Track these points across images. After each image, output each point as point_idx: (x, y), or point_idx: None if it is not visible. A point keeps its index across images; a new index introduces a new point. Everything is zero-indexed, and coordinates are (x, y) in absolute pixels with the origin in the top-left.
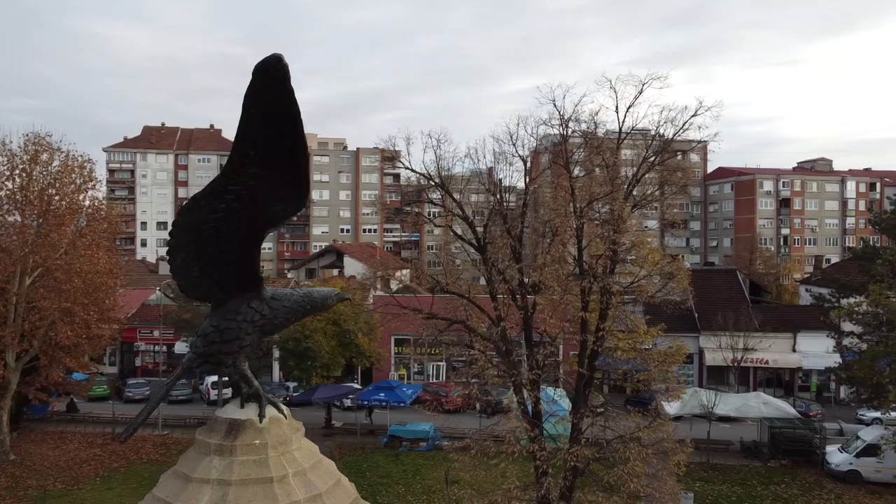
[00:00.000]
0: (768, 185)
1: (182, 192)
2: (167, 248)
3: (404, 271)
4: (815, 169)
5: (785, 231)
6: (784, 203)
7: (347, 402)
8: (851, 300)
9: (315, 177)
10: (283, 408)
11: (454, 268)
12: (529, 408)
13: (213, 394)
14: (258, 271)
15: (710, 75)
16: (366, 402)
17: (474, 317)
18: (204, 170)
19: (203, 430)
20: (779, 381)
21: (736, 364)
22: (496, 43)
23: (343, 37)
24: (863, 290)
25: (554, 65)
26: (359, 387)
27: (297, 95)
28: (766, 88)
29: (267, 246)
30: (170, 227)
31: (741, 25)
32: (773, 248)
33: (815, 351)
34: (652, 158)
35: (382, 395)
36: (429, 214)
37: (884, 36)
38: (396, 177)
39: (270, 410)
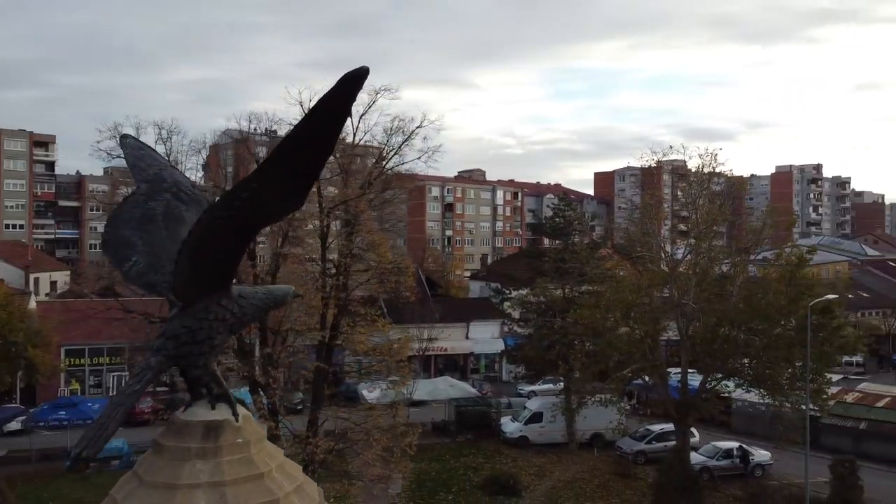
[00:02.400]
0: (436, 191)
1: None
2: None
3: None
4: (472, 178)
5: (449, 232)
6: (448, 207)
7: (15, 426)
8: (521, 292)
9: None
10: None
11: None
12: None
13: None
14: (231, 269)
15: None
16: (41, 423)
17: None
18: None
19: (170, 436)
20: (454, 365)
21: (421, 353)
22: (160, 27)
23: None
24: (530, 284)
25: (223, 57)
26: (22, 407)
27: None
28: (432, 103)
29: None
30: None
31: (408, 42)
32: (439, 248)
33: (484, 337)
34: (383, 165)
35: (63, 413)
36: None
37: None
38: (50, 165)
39: (240, 409)
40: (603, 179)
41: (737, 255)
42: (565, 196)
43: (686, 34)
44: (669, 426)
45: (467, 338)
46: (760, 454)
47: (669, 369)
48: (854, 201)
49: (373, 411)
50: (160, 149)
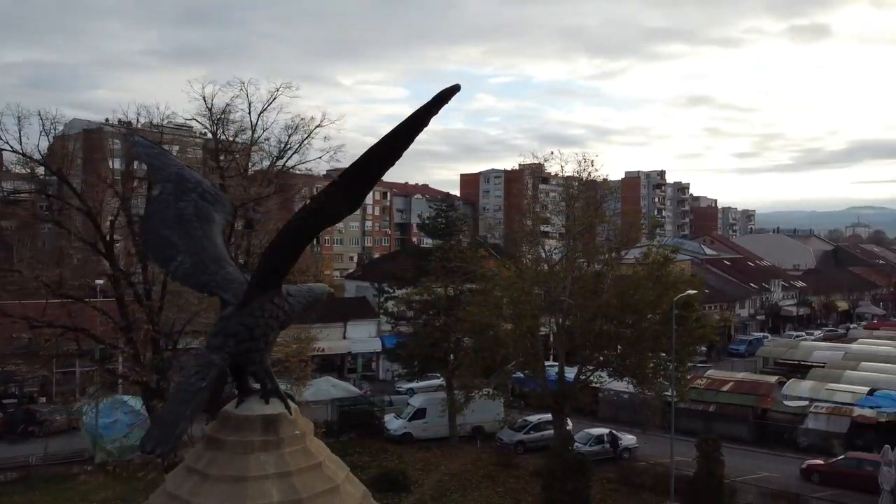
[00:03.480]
0: (304, 190)
1: None
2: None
3: None
4: None
5: None
6: None
7: None
8: (405, 290)
9: None
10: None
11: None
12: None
13: None
14: (288, 269)
15: (228, 78)
16: None
17: (96, 322)
18: None
19: (229, 431)
20: (331, 365)
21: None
22: None
23: None
24: (414, 282)
25: (58, 39)
26: None
27: None
28: (293, 100)
29: None
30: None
31: (265, 35)
32: (308, 248)
33: (361, 337)
34: (279, 163)
35: None
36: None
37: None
38: None
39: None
40: (469, 181)
41: (608, 254)
42: (447, 197)
43: (539, 43)
44: (545, 416)
45: (344, 337)
46: (627, 439)
47: (546, 363)
48: (692, 205)
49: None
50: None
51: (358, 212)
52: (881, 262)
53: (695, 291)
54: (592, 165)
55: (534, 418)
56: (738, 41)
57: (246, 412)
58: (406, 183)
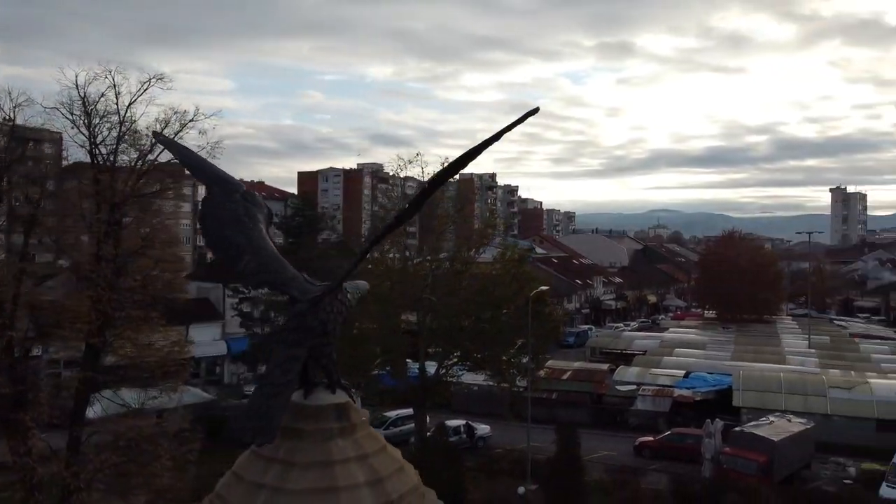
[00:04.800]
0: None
1: None
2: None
3: None
4: (170, 171)
5: (146, 230)
6: None
7: None
8: (263, 290)
9: None
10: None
11: None
12: None
13: None
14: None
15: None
16: None
17: None
18: None
19: (307, 420)
20: None
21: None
22: None
23: None
24: None
25: None
26: None
27: None
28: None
29: None
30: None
31: (74, 14)
32: None
33: (205, 340)
34: (148, 159)
35: None
36: None
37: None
38: None
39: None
40: (306, 179)
41: (467, 252)
42: (306, 196)
43: (371, 43)
44: (404, 412)
45: (186, 340)
46: (482, 428)
47: (408, 359)
48: (521, 207)
49: (145, 418)
50: None
51: (189, 208)
52: (682, 259)
53: (547, 287)
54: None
55: (392, 414)
56: (555, 53)
57: (319, 402)
58: (241, 180)
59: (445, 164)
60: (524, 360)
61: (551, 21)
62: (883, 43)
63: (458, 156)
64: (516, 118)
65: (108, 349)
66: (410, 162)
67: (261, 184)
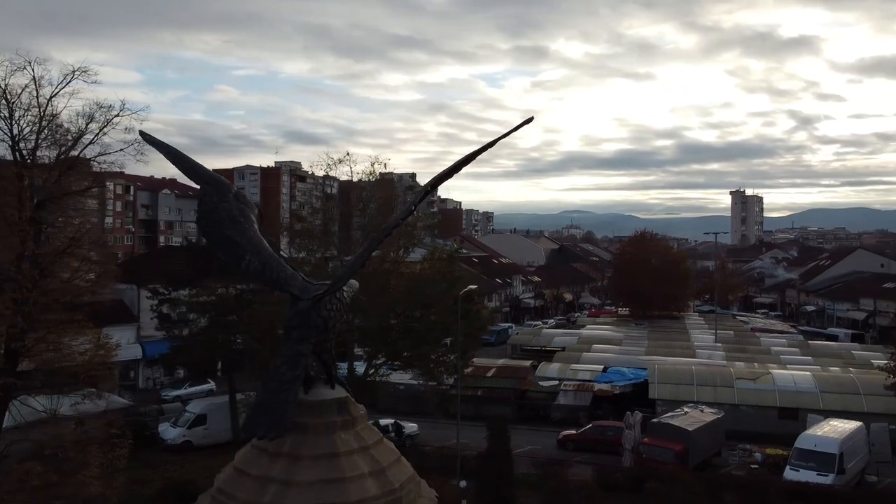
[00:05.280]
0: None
1: None
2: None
3: None
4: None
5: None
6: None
7: None
8: (183, 292)
9: None
10: None
11: None
12: None
13: None
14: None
15: None
16: None
17: None
18: None
19: (310, 414)
20: None
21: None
22: None
23: None
24: (192, 283)
25: None
26: None
27: None
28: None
29: None
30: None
31: None
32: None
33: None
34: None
35: None
36: None
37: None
38: None
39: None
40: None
41: (395, 251)
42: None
43: (282, 38)
44: None
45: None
46: (409, 427)
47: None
48: (440, 206)
49: (67, 426)
50: None
51: (95, 205)
52: (595, 258)
53: (476, 286)
54: (385, 167)
55: None
56: (471, 55)
57: (320, 397)
58: (152, 177)
59: (377, 164)
60: (451, 358)
61: (467, 23)
62: (777, 55)
63: (455, 161)
64: (512, 127)
65: (27, 353)
66: (340, 161)
67: (173, 181)
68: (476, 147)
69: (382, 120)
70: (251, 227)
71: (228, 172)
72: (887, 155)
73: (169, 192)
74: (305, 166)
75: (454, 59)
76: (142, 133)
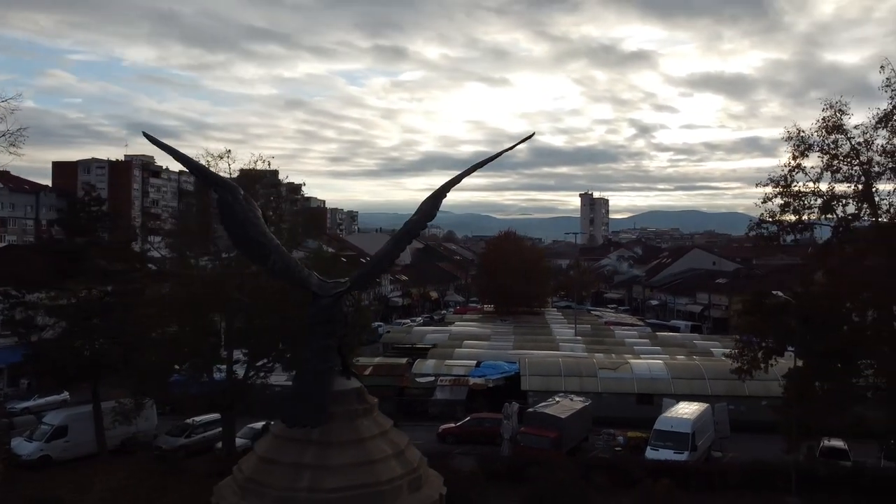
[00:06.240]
0: None
1: None
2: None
3: None
4: None
5: None
6: None
7: None
8: (40, 294)
9: None
10: None
11: None
12: None
13: None
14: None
15: None
16: None
17: None
18: None
19: (332, 403)
20: None
21: None
22: None
23: None
24: (51, 285)
25: None
26: None
27: None
28: None
29: None
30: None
31: None
32: None
33: None
34: None
35: None
36: None
37: None
38: None
39: None
40: (64, 170)
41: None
42: (92, 190)
43: (125, 21)
44: (208, 417)
45: None
46: None
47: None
48: (304, 205)
49: None
50: None
51: None
52: (458, 257)
53: None
54: (269, 164)
55: (197, 420)
56: (331, 52)
57: (341, 387)
58: None
59: (260, 161)
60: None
61: (327, 18)
62: (620, 67)
63: (462, 171)
64: (514, 143)
65: None
66: (221, 157)
67: (6, 173)
68: (473, 161)
69: (236, 114)
70: (265, 227)
71: (72, 165)
72: (713, 163)
73: (1, 185)
74: (159, 161)
75: (312, 55)
76: (145, 134)
